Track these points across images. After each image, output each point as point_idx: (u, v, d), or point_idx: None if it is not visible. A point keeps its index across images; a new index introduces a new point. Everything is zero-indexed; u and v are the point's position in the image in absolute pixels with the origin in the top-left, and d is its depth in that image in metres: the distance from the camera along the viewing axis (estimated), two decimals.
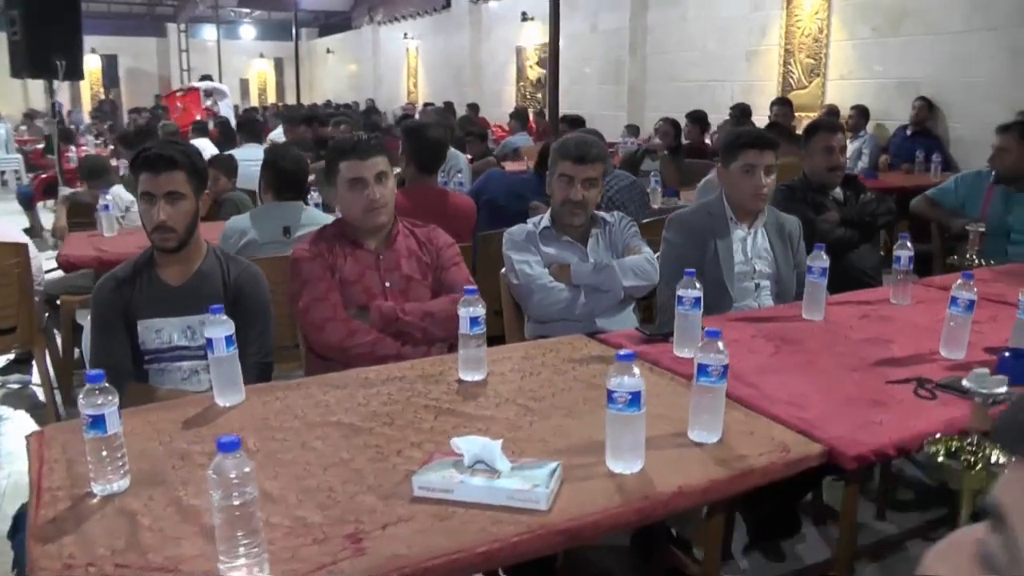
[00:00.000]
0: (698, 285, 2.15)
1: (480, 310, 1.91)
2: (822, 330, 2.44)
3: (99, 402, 1.37)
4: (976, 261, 3.25)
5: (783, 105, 7.61)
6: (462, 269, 2.49)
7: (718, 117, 8.21)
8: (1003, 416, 0.70)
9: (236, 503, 1.11)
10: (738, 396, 1.86)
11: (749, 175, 2.76)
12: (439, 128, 4.14)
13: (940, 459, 1.68)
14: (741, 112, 7.90)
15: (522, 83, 14.49)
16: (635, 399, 1.49)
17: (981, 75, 6.86)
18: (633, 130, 8.50)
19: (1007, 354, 2.08)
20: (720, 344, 1.64)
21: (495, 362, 2.05)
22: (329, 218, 3.15)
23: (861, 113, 7.58)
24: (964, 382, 1.67)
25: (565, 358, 2.14)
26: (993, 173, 3.81)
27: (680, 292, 2.14)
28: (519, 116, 9.94)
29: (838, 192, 3.49)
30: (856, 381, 2.03)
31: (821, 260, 2.50)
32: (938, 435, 1.73)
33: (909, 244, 2.70)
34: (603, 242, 2.77)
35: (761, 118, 7.48)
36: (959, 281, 2.19)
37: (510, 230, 2.79)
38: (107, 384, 1.39)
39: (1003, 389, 1.65)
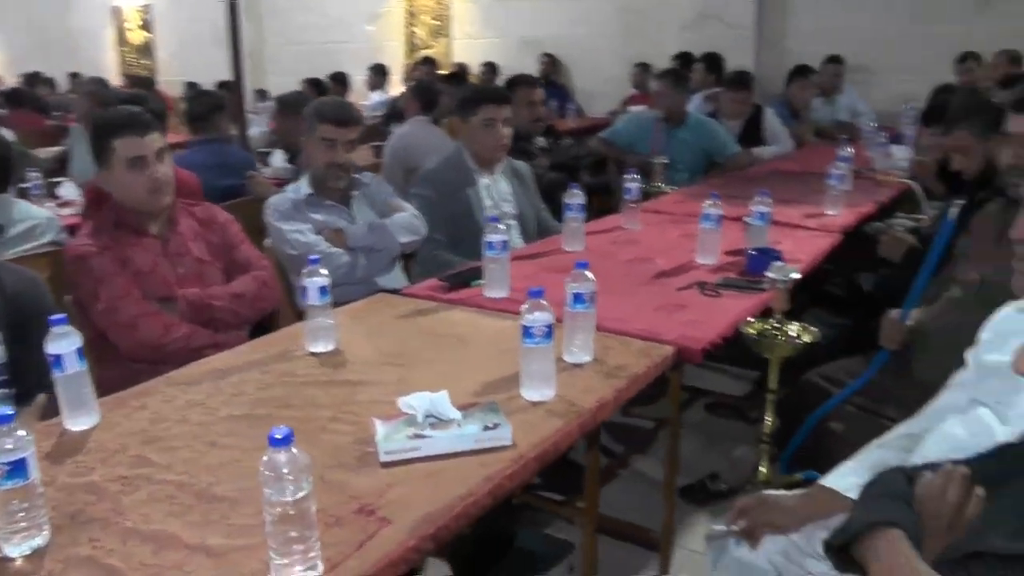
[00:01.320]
0: (502, 227, 2.28)
1: (327, 278, 1.86)
2: (592, 257, 2.70)
3: (11, 445, 1.13)
4: (662, 188, 3.80)
5: (427, 64, 7.94)
6: (251, 244, 2.36)
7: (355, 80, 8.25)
8: None
9: (290, 499, 1.03)
10: None
11: (491, 128, 2.96)
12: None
13: (755, 336, 2.04)
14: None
15: (124, 48, 13.11)
16: (549, 332, 1.59)
17: (597, 32, 7.77)
18: (261, 95, 8.25)
19: (752, 252, 2.52)
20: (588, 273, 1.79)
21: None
22: (44, 212, 2.74)
23: (491, 69, 8.17)
24: (767, 273, 2.03)
25: (394, 315, 2.15)
26: (657, 113, 4.45)
27: (490, 237, 2.25)
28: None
29: (542, 140, 3.84)
30: (652, 293, 2.33)
31: (579, 197, 2.77)
32: (750, 319, 2.09)
33: (637, 176, 3.09)
34: (365, 203, 2.79)
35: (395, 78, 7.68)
36: (708, 201, 2.59)
37: (272, 200, 2.70)
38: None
39: (796, 276, 2.03)
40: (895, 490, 1.11)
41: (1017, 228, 1.38)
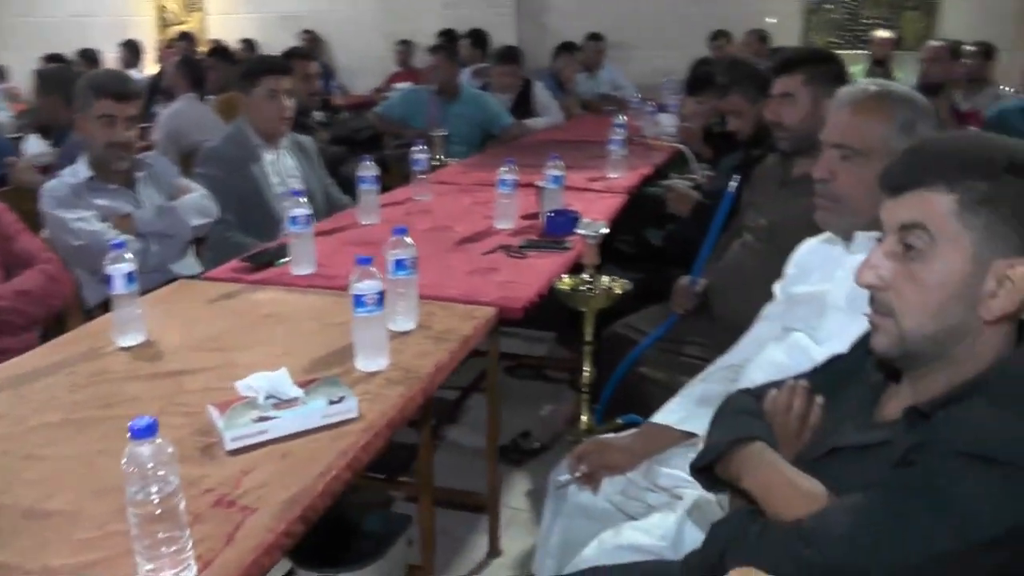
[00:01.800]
0: (303, 201, 2.19)
1: (132, 264, 1.69)
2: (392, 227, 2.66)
3: None
4: (444, 160, 3.82)
5: (186, 40, 7.44)
6: (32, 235, 2.09)
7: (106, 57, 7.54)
8: None
9: (157, 496, 0.92)
10: None
11: (274, 99, 2.82)
12: None
13: (569, 290, 2.11)
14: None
15: None
16: (380, 299, 1.55)
17: (358, 9, 7.61)
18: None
19: (550, 214, 2.61)
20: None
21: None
22: None
23: (249, 46, 7.78)
24: (578, 230, 2.11)
25: (201, 301, 1.99)
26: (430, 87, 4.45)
27: (293, 212, 2.15)
28: None
29: (319, 115, 3.73)
30: (460, 259, 2.34)
31: (372, 169, 2.71)
32: (562, 276, 2.15)
33: (425, 148, 3.09)
34: (152, 185, 2.57)
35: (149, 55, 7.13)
36: (504, 167, 2.63)
37: (47, 187, 2.42)
38: None
39: (605, 230, 2.12)
40: (746, 408, 1.20)
41: (817, 168, 1.52)
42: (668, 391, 2.24)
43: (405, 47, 7.01)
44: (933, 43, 4.19)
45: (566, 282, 2.16)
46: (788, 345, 1.60)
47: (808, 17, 6.69)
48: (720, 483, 1.17)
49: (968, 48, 4.57)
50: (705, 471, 1.18)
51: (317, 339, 1.73)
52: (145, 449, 0.92)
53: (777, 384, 1.24)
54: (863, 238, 1.53)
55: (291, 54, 3.73)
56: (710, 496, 1.55)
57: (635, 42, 6.91)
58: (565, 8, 7.10)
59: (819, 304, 1.59)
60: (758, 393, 1.24)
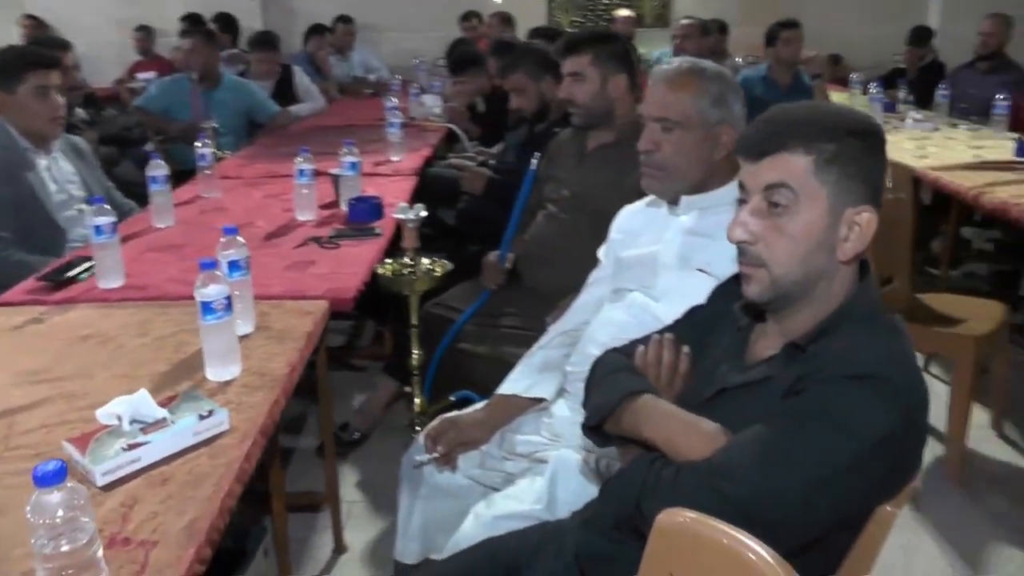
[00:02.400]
0: (108, 208, 2.01)
1: None
2: (190, 230, 2.51)
3: None
4: (222, 153, 3.62)
5: None
6: None
7: None
8: None
9: (66, 548, 0.84)
10: None
11: (44, 97, 2.53)
12: None
13: (388, 275, 2.12)
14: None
15: None
16: (228, 303, 1.49)
17: None
18: None
19: (353, 201, 2.58)
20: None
21: None
22: None
23: None
24: (396, 214, 2.12)
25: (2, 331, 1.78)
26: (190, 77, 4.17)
27: (96, 221, 1.97)
28: None
29: (81, 112, 3.39)
30: (273, 255, 2.26)
31: (162, 168, 2.53)
32: (387, 261, 2.16)
33: (209, 141, 2.93)
34: None
35: None
36: (299, 158, 2.55)
37: None
38: None
39: (424, 214, 2.14)
40: (623, 366, 1.29)
41: (642, 141, 1.64)
42: (493, 363, 2.34)
43: (145, 34, 6.45)
44: (684, 21, 4.60)
45: (388, 267, 2.17)
46: (627, 304, 1.72)
47: None
48: (610, 439, 1.25)
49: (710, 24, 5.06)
50: (595, 429, 1.26)
51: (151, 355, 1.61)
52: (54, 497, 0.84)
53: (644, 340, 1.34)
54: (687, 201, 1.68)
55: (44, 43, 3.33)
56: (574, 455, 1.66)
57: (385, 24, 6.89)
58: None
59: (651, 264, 1.71)
60: (627, 351, 1.34)
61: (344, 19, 6.10)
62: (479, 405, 1.91)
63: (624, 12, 6.64)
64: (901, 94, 4.89)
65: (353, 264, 2.17)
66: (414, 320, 2.23)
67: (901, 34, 5.80)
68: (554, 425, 1.78)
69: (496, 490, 1.78)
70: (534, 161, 2.54)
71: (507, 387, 1.87)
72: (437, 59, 6.18)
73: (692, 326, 1.35)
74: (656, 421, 1.16)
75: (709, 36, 4.84)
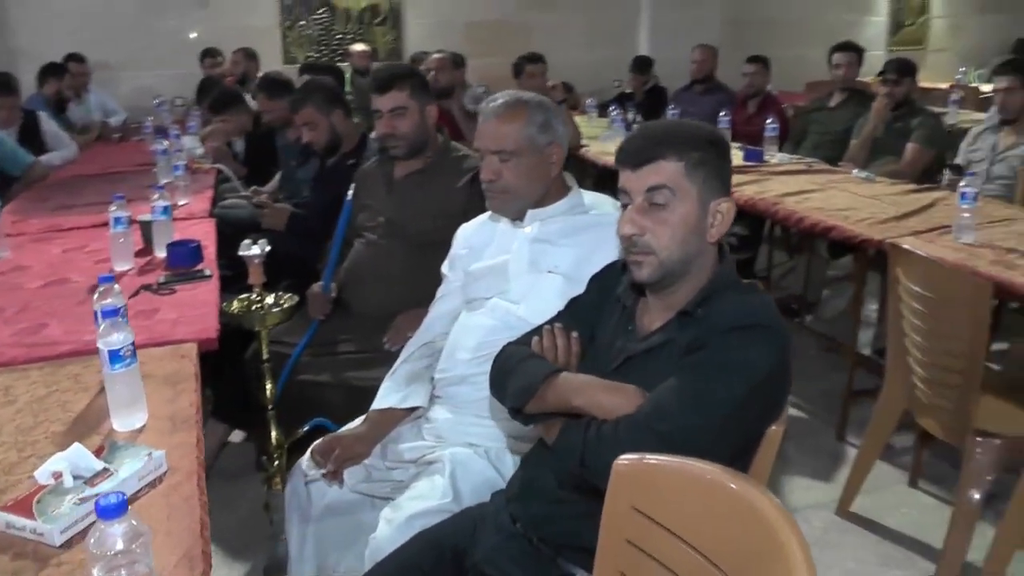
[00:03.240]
0: None
1: None
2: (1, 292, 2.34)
3: None
4: None
5: None
6: None
7: None
8: None
9: None
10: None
11: None
12: None
13: (238, 312, 2.15)
14: None
15: None
16: (134, 349, 1.48)
17: None
18: None
19: (172, 246, 2.55)
20: None
21: None
22: None
23: None
24: (241, 252, 2.14)
25: None
26: None
27: None
28: None
29: None
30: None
31: None
32: (240, 298, 2.17)
33: None
34: None
35: None
36: (113, 206, 2.46)
37: None
38: None
39: (268, 248, 2.18)
40: (529, 354, 1.48)
41: (484, 172, 1.84)
42: (338, 389, 2.44)
43: None
44: (436, 55, 4.85)
45: (235, 305, 2.19)
46: (489, 310, 1.91)
47: (285, 33, 7.01)
48: (533, 419, 1.44)
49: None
50: (519, 411, 1.43)
51: (37, 419, 1.54)
52: (116, 530, 0.88)
53: (536, 332, 1.54)
54: (531, 214, 1.90)
55: None
56: (464, 450, 1.81)
57: (116, 61, 6.52)
58: (35, 27, 6.37)
59: (503, 273, 1.91)
60: (524, 342, 1.54)
61: (76, 57, 5.71)
62: (353, 425, 2.00)
63: (360, 47, 6.83)
64: (630, 115, 5.50)
65: (199, 306, 2.16)
66: (265, 355, 2.25)
67: (615, 61, 6.49)
68: (435, 429, 1.92)
69: (387, 499, 1.89)
70: (350, 192, 2.64)
71: (381, 402, 1.99)
72: (175, 98, 5.99)
73: (575, 314, 1.57)
74: (581, 391, 1.36)
75: (460, 68, 5.19)
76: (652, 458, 1.18)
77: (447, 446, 1.85)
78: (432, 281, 2.48)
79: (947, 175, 4.03)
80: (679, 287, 1.39)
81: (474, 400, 1.86)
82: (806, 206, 3.29)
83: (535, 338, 1.52)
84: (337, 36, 7.14)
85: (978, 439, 2.10)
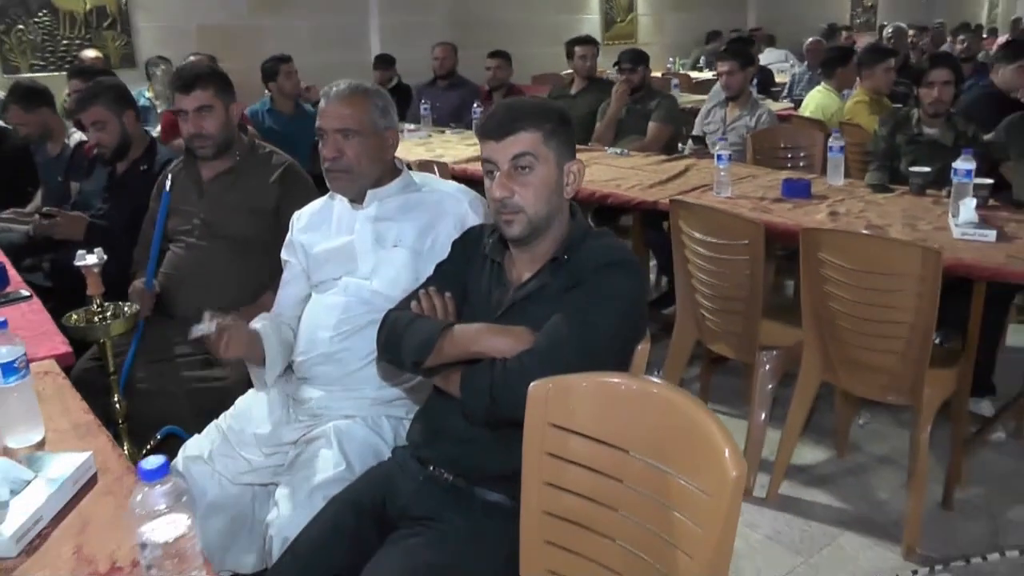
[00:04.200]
0: None
1: None
2: None
3: None
4: None
5: None
6: None
7: None
8: None
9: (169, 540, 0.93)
10: None
11: None
12: None
13: (81, 324, 2.09)
14: None
15: None
16: (26, 363, 1.45)
17: None
18: None
19: None
20: None
21: None
22: None
23: None
24: (77, 262, 2.06)
25: None
26: None
27: None
28: None
29: None
30: None
31: None
32: (73, 314, 2.09)
33: None
34: None
35: None
36: None
37: None
38: None
39: (104, 257, 2.11)
40: (414, 316, 1.63)
41: (328, 150, 1.93)
42: (181, 393, 2.41)
43: None
44: (194, 58, 4.68)
45: (76, 318, 2.11)
46: (342, 289, 1.99)
47: (2, 39, 6.35)
48: (430, 371, 1.60)
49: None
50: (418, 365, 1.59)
51: None
52: (159, 490, 0.93)
53: (413, 297, 1.70)
54: (371, 194, 2.03)
55: None
56: (343, 422, 1.91)
57: None
58: None
59: (349, 252, 2.02)
60: (403, 307, 1.69)
61: None
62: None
63: (91, 53, 6.40)
64: None
65: (36, 326, 2.06)
66: (112, 368, 2.18)
67: (351, 63, 6.52)
68: (309, 408, 1.99)
69: (267, 486, 1.96)
70: (168, 183, 2.58)
71: (270, 374, 2.05)
72: None
73: (444, 277, 1.74)
74: (476, 338, 1.54)
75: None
76: (560, 378, 1.39)
77: (325, 421, 1.94)
78: (253, 278, 2.56)
79: (690, 145, 4.64)
80: (543, 239, 1.62)
81: (341, 375, 1.97)
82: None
83: (413, 303, 1.68)
84: (63, 41, 6.59)
85: (763, 352, 2.54)
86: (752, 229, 2.46)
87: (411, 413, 1.92)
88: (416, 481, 1.62)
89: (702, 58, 10.20)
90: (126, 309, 2.18)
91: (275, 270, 2.52)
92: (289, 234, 2.17)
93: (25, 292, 2.30)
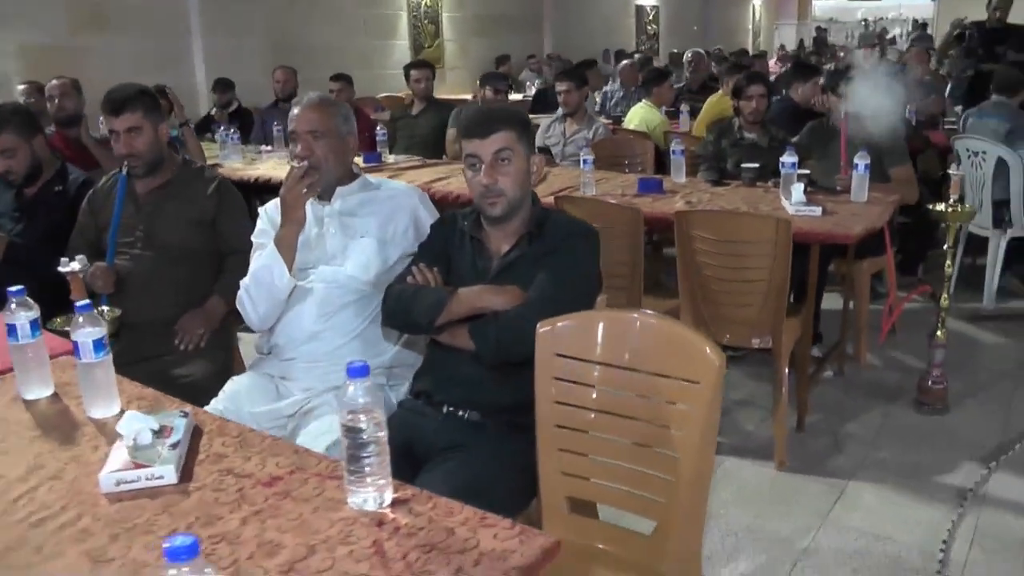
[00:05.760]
0: None
1: None
2: None
3: None
4: None
5: None
6: None
7: None
8: None
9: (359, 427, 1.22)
10: None
11: None
12: None
13: (67, 327, 2.19)
14: None
15: None
16: (104, 342, 1.64)
17: None
18: None
19: None
20: None
21: None
22: None
23: None
24: (62, 268, 2.19)
25: None
26: None
27: None
28: None
29: None
30: None
31: None
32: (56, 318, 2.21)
33: None
34: None
35: None
36: None
37: None
38: None
39: (86, 263, 2.24)
40: (415, 286, 1.97)
41: (300, 150, 2.18)
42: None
43: None
44: (57, 81, 4.53)
45: (60, 321, 2.23)
46: (319, 275, 2.24)
47: None
48: (438, 329, 1.95)
49: None
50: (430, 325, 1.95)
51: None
52: (359, 385, 1.23)
53: (406, 273, 2.04)
54: (339, 191, 2.31)
55: None
56: (335, 392, 2.18)
57: None
58: None
59: (319, 243, 2.27)
60: (400, 281, 2.04)
61: None
62: None
63: None
64: (219, 137, 5.64)
65: None
66: None
67: (176, 84, 6.46)
68: (299, 384, 2.22)
69: None
70: (122, 184, 2.69)
71: None
72: None
73: (429, 254, 2.10)
74: (480, 297, 1.92)
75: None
76: (560, 319, 1.78)
77: (318, 393, 2.20)
78: (200, 284, 2.77)
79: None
80: (516, 219, 2.02)
81: (325, 351, 2.23)
82: (453, 187, 4.02)
83: (409, 277, 2.02)
84: None
85: None
86: (633, 215, 2.98)
87: (391, 380, 2.24)
88: (436, 421, 1.95)
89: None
90: (111, 314, 2.32)
91: (215, 276, 2.74)
92: (261, 223, 2.36)
93: None
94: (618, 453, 1.76)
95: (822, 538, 2.59)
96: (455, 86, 11.19)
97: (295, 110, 2.26)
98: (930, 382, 3.36)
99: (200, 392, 2.35)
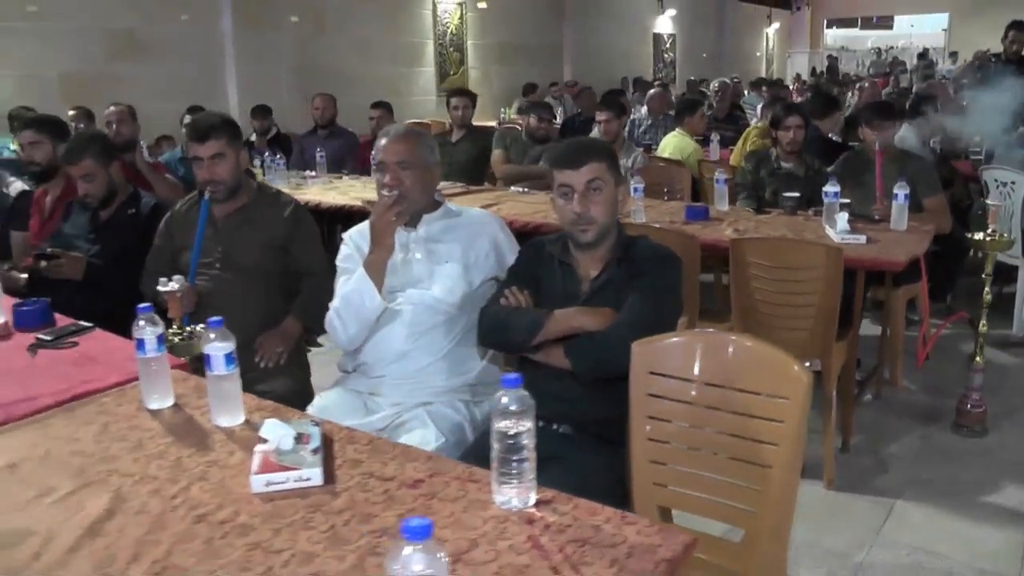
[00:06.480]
0: None
1: None
2: None
3: None
4: None
5: None
6: None
7: None
8: None
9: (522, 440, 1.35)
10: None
11: None
12: None
13: (171, 345, 2.32)
14: None
15: None
16: (234, 356, 1.76)
17: None
18: None
19: (21, 307, 2.52)
20: None
21: None
22: None
23: None
24: (160, 287, 2.32)
25: None
26: None
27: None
28: None
29: None
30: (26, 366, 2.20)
31: None
32: None
33: None
34: None
35: None
36: None
37: None
38: None
39: (186, 282, 2.37)
40: (511, 308, 2.11)
41: (389, 180, 2.29)
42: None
43: None
44: (116, 108, 4.69)
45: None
46: (407, 298, 2.36)
47: None
48: (536, 349, 2.07)
49: None
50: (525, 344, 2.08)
51: (133, 444, 1.72)
52: (512, 394, 1.35)
53: (499, 296, 2.17)
54: (425, 219, 2.44)
55: None
56: (427, 405, 2.30)
57: None
58: None
59: (407, 267, 2.39)
60: (493, 304, 2.18)
61: None
62: None
63: None
64: (256, 162, 5.79)
65: (117, 350, 2.27)
66: None
67: (210, 109, 6.61)
68: (390, 399, 2.33)
69: None
70: (204, 208, 2.82)
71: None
72: None
73: (519, 278, 2.23)
74: (575, 317, 2.05)
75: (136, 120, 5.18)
76: (654, 338, 1.90)
77: (408, 408, 2.32)
78: (275, 305, 2.89)
79: None
80: (604, 244, 2.15)
81: (414, 370, 2.35)
82: (505, 212, 4.14)
83: (502, 299, 2.15)
84: None
85: None
86: (688, 241, 3.12)
87: (476, 397, 2.36)
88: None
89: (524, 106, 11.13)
90: (201, 331, 2.43)
91: (291, 298, 2.87)
92: (347, 248, 2.48)
93: (87, 324, 2.48)
94: (708, 465, 1.88)
95: (876, 553, 2.69)
96: (478, 112, 11.35)
97: (382, 140, 2.38)
98: (969, 405, 3.47)
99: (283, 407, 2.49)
